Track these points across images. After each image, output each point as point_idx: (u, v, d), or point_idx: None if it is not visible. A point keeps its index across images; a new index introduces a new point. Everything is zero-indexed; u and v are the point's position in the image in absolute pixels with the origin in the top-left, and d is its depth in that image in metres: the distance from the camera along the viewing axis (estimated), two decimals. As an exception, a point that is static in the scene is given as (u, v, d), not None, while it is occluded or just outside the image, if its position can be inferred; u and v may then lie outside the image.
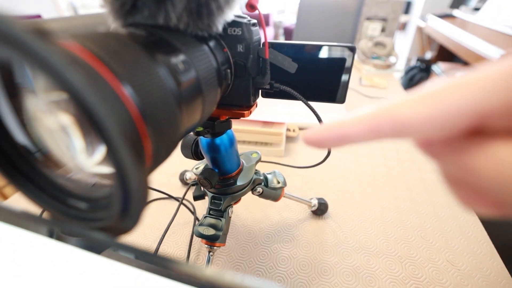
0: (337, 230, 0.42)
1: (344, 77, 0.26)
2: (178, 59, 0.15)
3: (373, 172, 0.54)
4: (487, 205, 0.10)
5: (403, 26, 2.83)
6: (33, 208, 0.15)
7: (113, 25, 0.17)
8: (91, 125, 0.09)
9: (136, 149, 0.11)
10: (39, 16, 1.49)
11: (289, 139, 0.63)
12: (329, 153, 0.31)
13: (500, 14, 1.60)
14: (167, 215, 0.44)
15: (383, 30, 1.75)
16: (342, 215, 0.44)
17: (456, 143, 0.10)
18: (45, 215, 0.15)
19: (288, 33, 3.04)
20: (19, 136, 0.14)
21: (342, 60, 0.26)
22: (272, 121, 0.60)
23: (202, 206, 0.46)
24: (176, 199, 0.45)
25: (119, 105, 0.10)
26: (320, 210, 0.43)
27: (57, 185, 0.15)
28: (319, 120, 0.28)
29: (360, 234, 0.41)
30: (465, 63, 1.72)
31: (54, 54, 0.08)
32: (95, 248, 0.14)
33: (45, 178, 0.15)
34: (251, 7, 0.21)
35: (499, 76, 0.08)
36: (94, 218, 0.14)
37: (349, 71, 0.26)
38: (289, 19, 3.31)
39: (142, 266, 0.13)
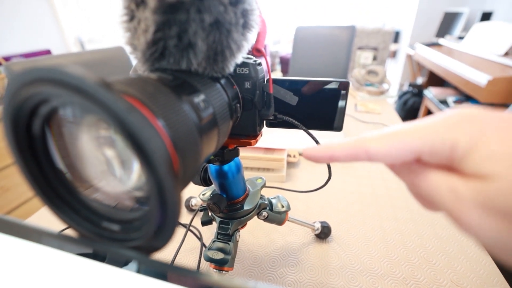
0: (341, 253, 0.43)
1: (340, 108, 0.29)
2: (199, 99, 0.18)
3: (373, 193, 0.56)
4: (431, 207, 0.15)
5: (393, 54, 2.97)
6: (58, 226, 0.16)
7: (141, 68, 0.20)
8: (137, 153, 0.12)
9: (171, 172, 0.13)
10: (49, 51, 1.57)
11: (290, 164, 0.65)
12: (329, 177, 0.33)
13: (482, 42, 1.71)
14: (174, 242, 0.45)
15: (374, 58, 1.85)
16: (345, 238, 0.45)
17: (410, 167, 0.15)
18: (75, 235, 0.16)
19: (284, 62, 3.17)
20: (56, 160, 0.16)
21: (338, 92, 0.28)
22: (273, 147, 0.62)
23: (208, 232, 0.47)
24: (183, 225, 0.46)
25: (157, 136, 0.12)
26: (324, 233, 0.44)
27: (92, 208, 0.17)
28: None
29: (364, 256, 0.42)
30: (455, 88, 1.80)
31: (117, 102, 0.11)
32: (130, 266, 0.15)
33: (80, 201, 0.17)
34: (257, 51, 0.24)
35: (426, 128, 0.13)
36: (126, 239, 0.16)
37: (344, 102, 0.29)
38: (285, 49, 3.47)
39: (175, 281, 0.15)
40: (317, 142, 0.30)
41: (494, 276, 0.38)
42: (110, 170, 0.15)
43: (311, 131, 0.29)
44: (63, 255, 0.17)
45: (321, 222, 0.45)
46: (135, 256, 0.15)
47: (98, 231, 0.16)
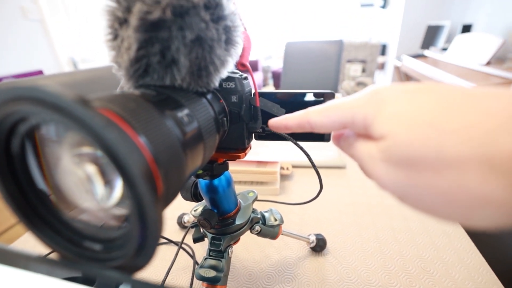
0: (338, 266, 0.42)
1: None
2: (183, 113, 0.18)
3: (368, 203, 0.55)
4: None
5: (381, 66, 3.06)
6: (41, 250, 0.16)
7: (126, 85, 0.20)
8: (117, 169, 0.11)
9: (151, 188, 0.12)
10: (41, 72, 1.58)
11: (284, 177, 0.65)
12: (321, 188, 0.33)
13: (464, 53, 1.77)
14: (166, 260, 0.43)
15: (363, 70, 1.90)
16: (341, 250, 0.45)
17: (348, 140, 0.17)
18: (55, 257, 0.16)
19: (276, 76, 3.23)
20: (38, 180, 0.16)
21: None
22: (266, 160, 0.62)
23: (201, 250, 0.46)
24: (175, 243, 0.45)
25: (137, 151, 0.12)
26: (319, 246, 0.43)
27: (74, 229, 0.16)
28: (309, 157, 0.30)
29: (360, 268, 0.41)
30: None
31: (95, 118, 0.11)
32: (111, 286, 0.15)
33: (63, 222, 0.16)
34: (242, 65, 0.25)
35: (349, 103, 0.16)
36: (109, 258, 0.15)
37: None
38: (277, 64, 3.55)
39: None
40: (306, 153, 0.30)
41: (492, 283, 0.38)
42: (93, 189, 0.15)
43: (300, 143, 0.30)
44: (50, 280, 0.17)
45: (316, 235, 0.44)
46: (119, 276, 0.14)
47: (80, 251, 0.16)
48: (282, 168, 0.64)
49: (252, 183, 0.60)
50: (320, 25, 3.12)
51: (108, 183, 0.15)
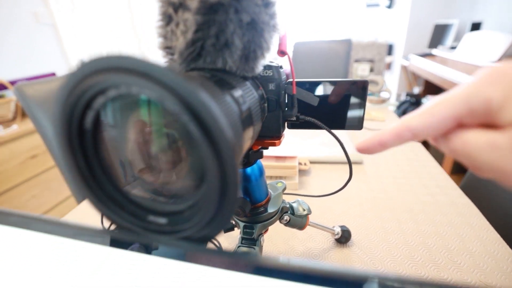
0: (364, 257, 0.42)
1: (360, 107, 0.30)
2: (238, 94, 0.18)
3: (388, 197, 0.55)
4: (478, 170, 0.15)
5: (388, 66, 3.05)
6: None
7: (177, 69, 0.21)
8: (202, 132, 0.12)
9: (234, 152, 0.13)
10: (53, 74, 1.61)
11: (302, 172, 0.65)
12: (350, 177, 0.33)
13: (474, 51, 1.76)
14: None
15: (371, 70, 1.89)
16: (365, 242, 0.45)
17: (447, 135, 0.15)
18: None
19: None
20: (105, 156, 0.16)
21: (362, 92, 0.29)
22: (285, 155, 0.62)
23: (225, 242, 0.46)
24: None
25: (222, 116, 0.13)
26: (344, 237, 0.44)
27: (137, 203, 0.17)
28: (342, 145, 0.31)
29: (387, 259, 0.41)
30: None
31: (187, 83, 0.11)
32: (181, 256, 0.15)
33: (125, 196, 0.17)
34: (281, 53, 0.25)
35: (462, 92, 0.14)
36: (174, 231, 0.16)
37: (364, 101, 0.30)
38: (285, 64, 3.55)
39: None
40: (339, 140, 0.30)
41: (521, 274, 0.37)
42: (159, 163, 0.16)
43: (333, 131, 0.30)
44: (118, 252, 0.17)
45: (341, 226, 0.44)
46: (186, 246, 0.15)
47: (144, 225, 0.17)
48: (300, 163, 0.64)
49: (271, 177, 0.61)
50: (326, 25, 3.13)
51: (179, 156, 0.15)
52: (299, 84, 0.30)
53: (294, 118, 0.29)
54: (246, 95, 0.20)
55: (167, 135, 0.15)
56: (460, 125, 0.15)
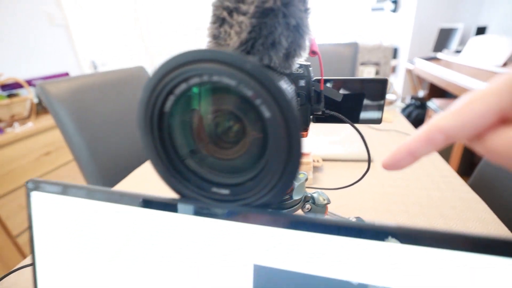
0: (378, 247, 0.44)
1: (380, 102, 0.33)
2: (285, 86, 0.21)
3: (400, 193, 0.58)
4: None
5: (393, 69, 3.07)
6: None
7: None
8: (277, 109, 0.15)
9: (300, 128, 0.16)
10: (67, 74, 1.65)
11: (315, 168, 0.68)
12: (368, 168, 0.36)
13: (479, 55, 1.79)
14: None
15: (377, 73, 1.92)
16: (379, 233, 0.47)
17: (479, 135, 0.14)
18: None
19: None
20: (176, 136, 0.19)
21: (382, 88, 0.32)
22: (299, 152, 0.65)
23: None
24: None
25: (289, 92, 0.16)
26: (359, 228, 0.46)
27: (201, 177, 0.20)
28: (362, 137, 0.34)
29: (400, 249, 0.44)
30: (457, 98, 1.85)
31: (268, 72, 0.14)
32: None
33: (191, 170, 0.20)
34: (313, 53, 0.28)
35: (507, 82, 0.12)
36: (236, 200, 0.19)
37: (383, 97, 0.32)
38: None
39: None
40: (361, 135, 0.33)
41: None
42: (224, 142, 0.19)
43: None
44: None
45: (356, 218, 0.47)
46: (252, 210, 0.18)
47: (208, 195, 0.19)
48: (313, 160, 0.67)
49: (286, 173, 0.63)
50: (332, 29, 3.16)
51: (242, 134, 0.18)
52: (325, 81, 0.33)
53: (320, 112, 0.32)
54: (289, 88, 0.23)
55: (235, 116, 0.18)
56: (504, 120, 0.13)
